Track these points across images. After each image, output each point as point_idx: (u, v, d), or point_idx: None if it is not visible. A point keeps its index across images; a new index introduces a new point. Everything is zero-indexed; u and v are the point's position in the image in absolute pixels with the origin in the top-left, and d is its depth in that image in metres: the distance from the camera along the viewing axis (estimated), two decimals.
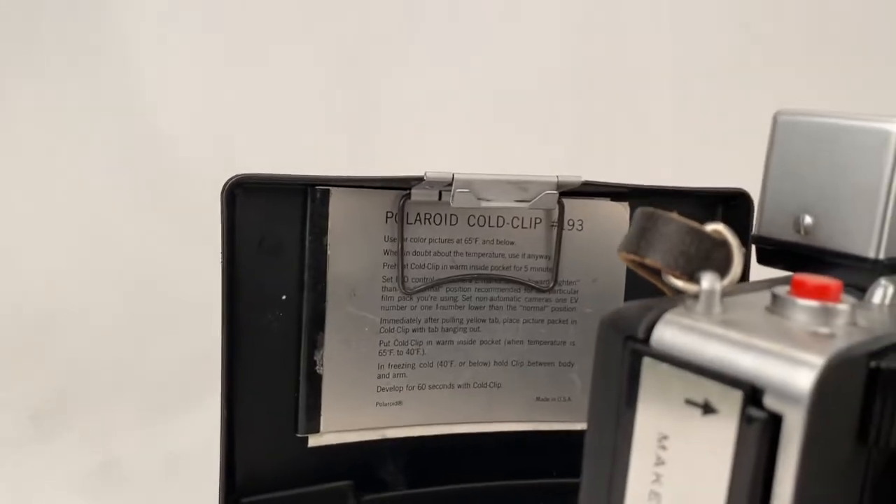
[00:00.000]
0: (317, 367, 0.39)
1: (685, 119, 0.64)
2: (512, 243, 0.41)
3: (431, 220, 0.40)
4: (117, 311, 0.54)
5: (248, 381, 0.38)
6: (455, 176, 0.37)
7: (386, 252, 0.40)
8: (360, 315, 0.39)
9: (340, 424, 0.40)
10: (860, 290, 0.21)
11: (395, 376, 0.41)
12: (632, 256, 0.20)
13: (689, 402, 0.17)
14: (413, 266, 0.40)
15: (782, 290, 0.19)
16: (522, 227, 0.41)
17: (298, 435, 0.39)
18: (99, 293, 0.54)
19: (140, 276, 0.53)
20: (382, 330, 0.40)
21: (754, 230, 0.24)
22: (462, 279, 0.41)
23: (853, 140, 0.22)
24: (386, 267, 0.40)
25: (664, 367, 0.18)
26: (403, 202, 0.39)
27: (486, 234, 0.41)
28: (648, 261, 0.19)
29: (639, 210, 0.20)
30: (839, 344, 0.17)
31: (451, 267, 0.41)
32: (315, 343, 0.39)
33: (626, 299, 0.43)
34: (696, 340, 0.17)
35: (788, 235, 0.23)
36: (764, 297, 0.19)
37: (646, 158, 0.61)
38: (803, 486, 0.16)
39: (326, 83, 0.60)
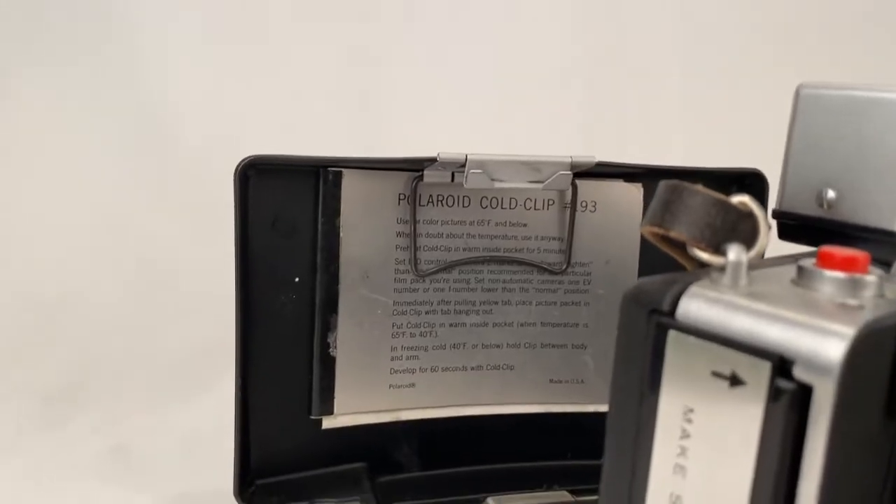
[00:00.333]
0: (330, 350, 0.39)
1: (697, 100, 0.63)
2: (525, 225, 0.41)
3: (444, 201, 0.40)
4: (129, 298, 0.54)
5: (261, 364, 0.38)
6: (468, 157, 0.37)
7: (398, 234, 0.39)
8: (373, 297, 0.39)
9: (354, 406, 0.40)
10: (885, 264, 0.21)
11: (408, 359, 0.41)
12: (656, 229, 0.19)
13: (716, 374, 0.17)
14: (426, 248, 0.40)
15: (808, 262, 0.19)
16: (535, 209, 0.41)
17: (312, 417, 0.39)
18: (111, 280, 0.54)
19: (152, 263, 0.53)
20: (395, 312, 0.40)
21: (776, 205, 0.24)
22: (475, 261, 0.41)
23: (878, 112, 0.21)
24: (399, 249, 0.39)
25: (691, 339, 0.17)
26: (416, 184, 0.39)
27: (499, 216, 0.41)
28: (674, 233, 0.19)
29: (662, 183, 0.20)
30: (868, 315, 0.17)
31: (464, 249, 0.41)
32: (328, 325, 0.38)
33: None
34: (722, 312, 0.17)
35: (811, 210, 0.23)
36: (790, 271, 0.19)
37: (658, 139, 0.61)
38: (833, 458, 0.16)
39: (338, 65, 0.60)
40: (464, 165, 0.37)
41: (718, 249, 0.18)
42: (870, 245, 0.22)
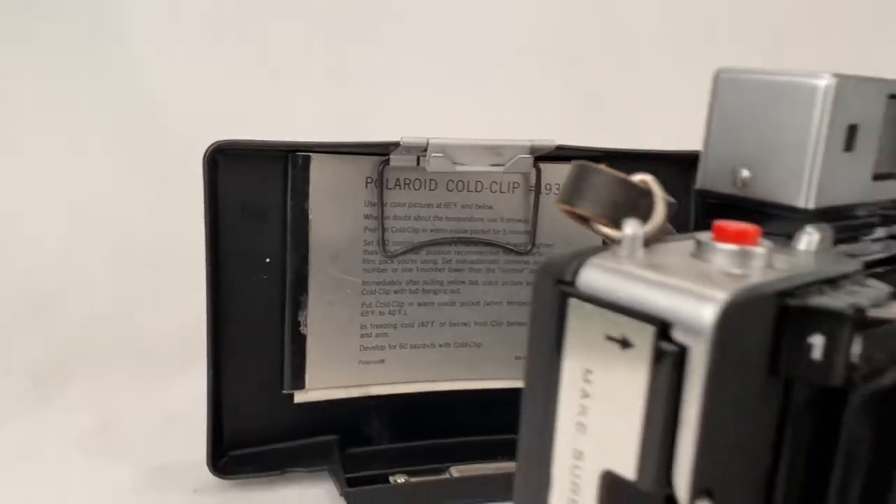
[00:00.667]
0: (301, 328, 0.40)
1: (675, 84, 0.64)
2: (490, 207, 0.42)
3: (411, 185, 0.41)
4: (115, 283, 0.56)
5: (234, 341, 0.39)
6: (430, 141, 0.39)
7: (367, 216, 0.41)
8: (343, 277, 0.41)
9: (325, 382, 0.41)
10: (791, 238, 0.22)
11: (377, 336, 0.42)
12: (565, 206, 0.21)
13: (610, 338, 0.18)
14: (394, 230, 0.41)
15: (705, 236, 0.20)
16: (501, 192, 0.42)
17: (284, 391, 0.41)
18: (97, 264, 0.56)
19: (136, 246, 0.55)
20: (364, 292, 0.42)
21: (697, 184, 0.25)
22: (442, 242, 0.42)
23: (785, 95, 0.22)
24: (367, 231, 0.41)
25: (588, 306, 0.19)
26: (383, 168, 0.40)
27: (465, 199, 0.42)
28: (579, 210, 0.20)
29: (572, 163, 0.22)
30: (747, 282, 0.18)
31: (432, 231, 0.42)
32: (299, 304, 0.40)
33: None
34: (615, 281, 0.18)
35: (728, 189, 0.24)
36: (691, 244, 0.20)
37: (635, 123, 0.62)
38: (709, 413, 0.17)
39: (312, 49, 0.61)
40: (426, 149, 0.39)
41: (619, 224, 0.19)
42: (779, 221, 0.23)
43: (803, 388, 0.20)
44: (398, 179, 0.41)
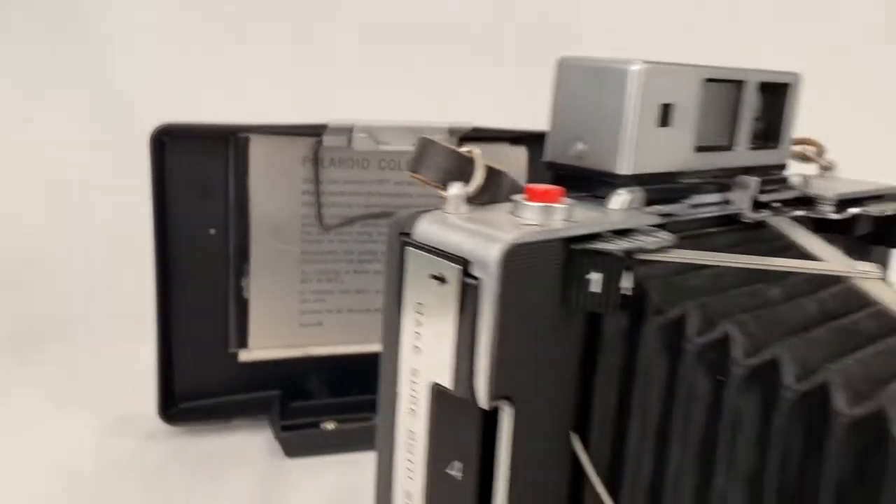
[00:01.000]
0: (243, 293, 0.45)
1: None
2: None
3: (345, 163, 0.46)
4: (88, 255, 0.60)
5: (183, 305, 0.44)
6: (356, 123, 0.43)
7: (304, 192, 0.45)
8: (283, 248, 0.45)
9: (267, 342, 0.46)
10: None
11: (315, 301, 0.47)
12: (412, 174, 0.25)
13: (433, 276, 0.23)
14: (330, 205, 0.46)
15: (521, 197, 0.24)
16: None
17: (230, 351, 0.45)
18: (71, 240, 0.61)
19: (106, 218, 0.60)
20: (303, 261, 0.46)
21: (545, 157, 0.29)
22: (375, 216, 0.47)
23: (606, 78, 0.26)
24: (305, 206, 0.45)
25: (419, 252, 0.23)
26: (317, 147, 0.44)
27: (397, 177, 0.46)
28: (421, 176, 0.25)
29: (417, 138, 0.26)
30: (535, 230, 0.22)
31: (366, 206, 0.47)
32: (241, 272, 0.44)
33: None
34: (436, 230, 0.23)
35: (569, 160, 0.28)
36: (510, 204, 0.25)
37: None
38: (500, 333, 0.21)
39: (266, 32, 0.66)
40: (352, 130, 0.43)
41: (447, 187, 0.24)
42: (604, 186, 0.27)
43: (612, 323, 0.25)
44: (332, 158, 0.45)
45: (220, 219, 0.44)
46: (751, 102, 0.30)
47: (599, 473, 0.26)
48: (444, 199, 0.24)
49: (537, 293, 0.22)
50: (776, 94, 0.32)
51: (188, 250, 0.43)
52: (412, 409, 0.24)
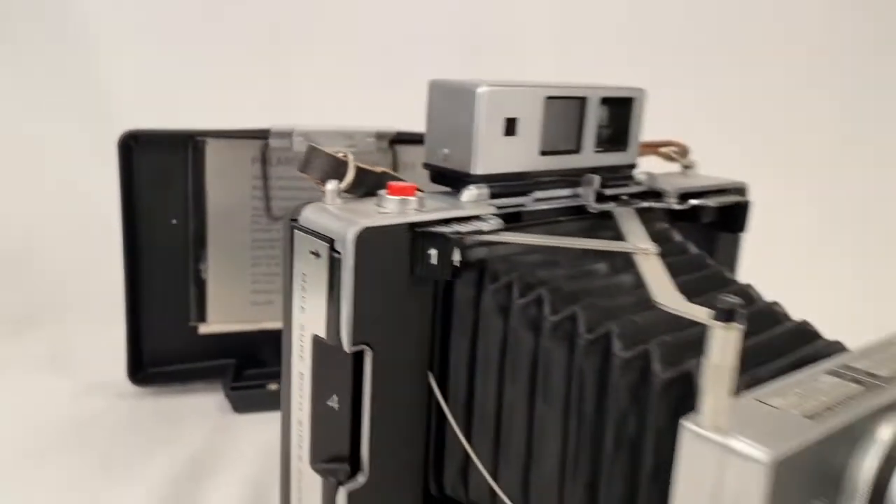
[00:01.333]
0: (202, 274, 0.52)
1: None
2: None
3: (289, 162, 0.53)
4: (79, 245, 0.68)
5: (149, 285, 0.51)
6: (295, 128, 0.50)
7: (254, 187, 0.52)
8: (235, 236, 0.52)
9: (223, 317, 0.53)
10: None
11: (265, 282, 0.54)
12: (303, 174, 0.32)
13: (311, 252, 0.30)
14: (278, 199, 0.53)
15: (384, 192, 0.31)
16: None
17: (190, 324, 0.52)
18: (63, 232, 0.68)
19: (97, 216, 0.67)
20: (254, 247, 0.53)
21: (424, 159, 0.36)
22: None
23: (461, 97, 0.33)
24: (255, 199, 0.52)
25: (302, 234, 0.30)
26: (265, 149, 0.52)
27: None
28: (307, 177, 0.32)
29: (307, 146, 0.33)
30: (387, 217, 0.29)
31: (308, 199, 0.53)
32: (199, 256, 0.52)
33: None
34: (315, 216, 0.30)
35: (438, 162, 0.35)
36: (377, 198, 0.32)
37: None
38: (357, 294, 0.28)
39: (238, 37, 0.73)
40: (292, 134, 0.50)
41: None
42: (462, 182, 0.34)
43: (463, 290, 0.32)
44: (279, 157, 0.52)
45: (180, 211, 0.51)
46: (595, 114, 0.37)
47: (459, 408, 0.33)
48: (324, 193, 0.31)
49: (388, 264, 0.30)
50: (622, 107, 0.39)
51: (153, 238, 0.51)
52: (301, 357, 0.31)
